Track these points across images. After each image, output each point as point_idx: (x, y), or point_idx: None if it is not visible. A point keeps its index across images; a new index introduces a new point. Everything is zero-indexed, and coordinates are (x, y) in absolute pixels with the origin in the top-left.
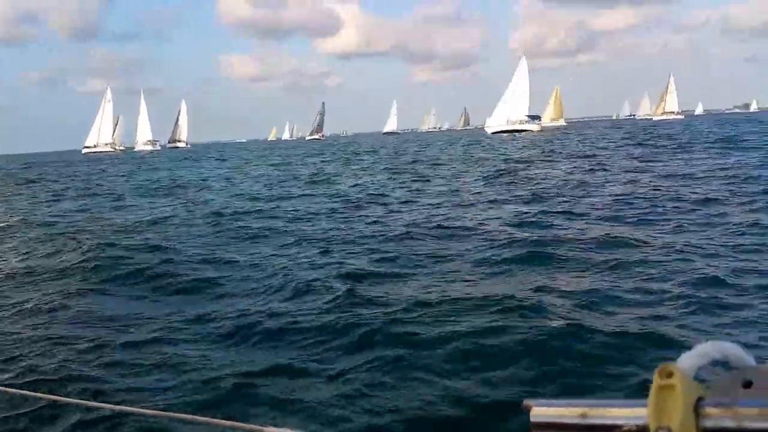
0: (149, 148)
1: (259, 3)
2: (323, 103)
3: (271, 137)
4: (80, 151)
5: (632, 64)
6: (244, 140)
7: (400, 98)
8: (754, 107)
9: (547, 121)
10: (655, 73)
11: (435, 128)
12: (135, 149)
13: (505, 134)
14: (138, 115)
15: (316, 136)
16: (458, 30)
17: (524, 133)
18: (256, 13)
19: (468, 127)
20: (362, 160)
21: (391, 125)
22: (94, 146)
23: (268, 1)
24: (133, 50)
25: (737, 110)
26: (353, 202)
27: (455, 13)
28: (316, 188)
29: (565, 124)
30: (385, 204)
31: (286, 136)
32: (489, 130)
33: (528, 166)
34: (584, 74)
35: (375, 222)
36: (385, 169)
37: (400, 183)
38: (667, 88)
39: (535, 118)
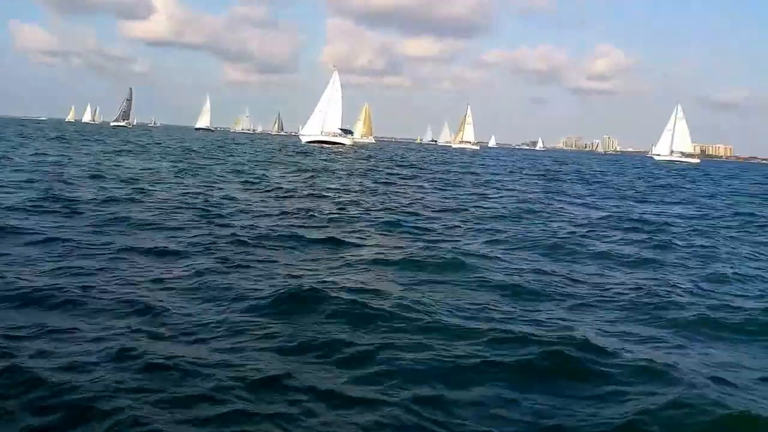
0: None
1: None
2: (131, 89)
3: (70, 118)
4: None
5: (435, 92)
6: (44, 118)
7: (212, 95)
8: (540, 146)
9: (357, 136)
10: (456, 103)
11: (249, 130)
12: None
13: (318, 144)
14: None
15: (122, 123)
16: (274, 35)
17: (337, 146)
18: None
19: (282, 133)
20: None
21: (203, 121)
22: None
23: None
24: None
25: (525, 147)
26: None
27: (272, 18)
28: None
29: (374, 141)
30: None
31: (86, 118)
32: (303, 139)
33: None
34: (391, 96)
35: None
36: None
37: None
38: (465, 118)
39: (347, 132)
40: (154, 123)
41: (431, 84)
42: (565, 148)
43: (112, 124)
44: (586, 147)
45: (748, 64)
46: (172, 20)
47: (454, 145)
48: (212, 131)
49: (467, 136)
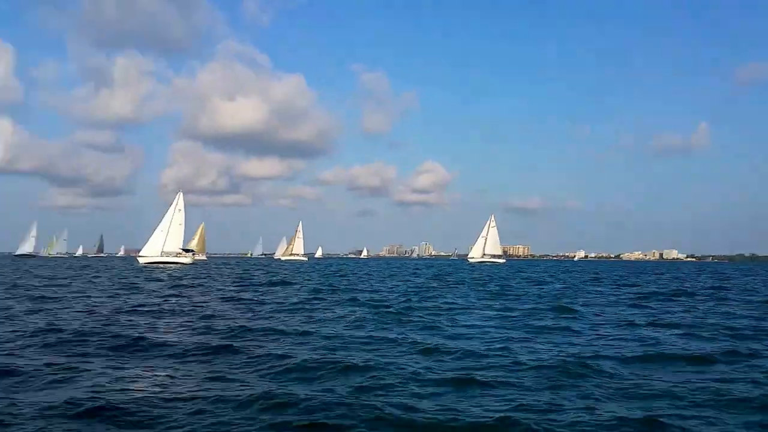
0: None
1: None
2: None
3: None
4: None
5: (273, 209)
6: None
7: (32, 219)
8: (364, 254)
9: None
10: (290, 218)
11: (66, 254)
12: None
13: (158, 264)
14: None
15: None
16: (113, 159)
17: (177, 265)
18: None
19: (101, 254)
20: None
21: (27, 247)
22: None
23: None
24: None
25: (351, 255)
26: None
27: (116, 142)
28: None
29: (205, 258)
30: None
31: None
32: (142, 261)
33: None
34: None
35: None
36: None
37: None
38: (296, 233)
39: (188, 251)
40: None
41: (270, 201)
42: (387, 255)
43: None
44: (405, 253)
45: (538, 178)
46: (9, 147)
47: (283, 258)
48: (35, 257)
49: (297, 249)
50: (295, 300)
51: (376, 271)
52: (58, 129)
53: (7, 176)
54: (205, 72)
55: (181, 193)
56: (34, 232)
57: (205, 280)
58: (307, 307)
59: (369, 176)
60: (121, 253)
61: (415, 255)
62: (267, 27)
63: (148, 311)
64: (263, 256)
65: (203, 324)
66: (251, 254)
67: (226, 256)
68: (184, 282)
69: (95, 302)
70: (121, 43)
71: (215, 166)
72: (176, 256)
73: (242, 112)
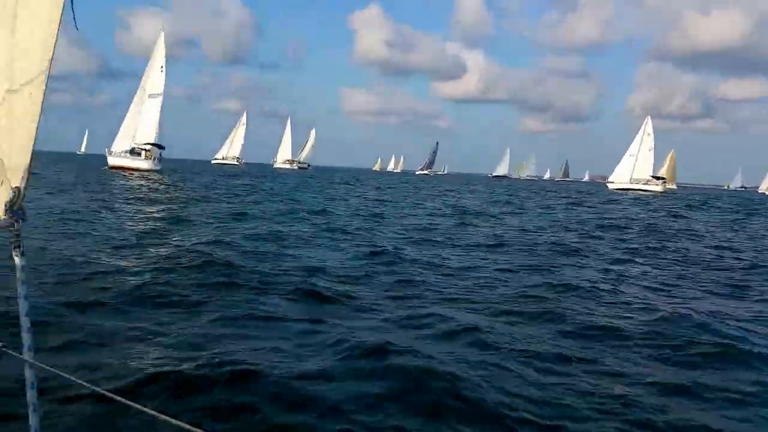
0: (287, 166)
1: (394, 44)
2: (437, 143)
3: (376, 167)
4: (209, 161)
5: (752, 135)
6: (350, 166)
7: (506, 145)
8: None
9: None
10: None
11: (534, 177)
12: (274, 166)
13: (626, 191)
14: (282, 136)
15: (426, 172)
16: (578, 85)
17: (647, 193)
18: (389, 53)
19: (567, 179)
20: None
21: (501, 170)
22: (222, 159)
23: (402, 43)
24: (270, 77)
25: None
26: None
27: (581, 68)
28: None
29: (675, 188)
30: None
31: (390, 167)
32: (611, 186)
33: None
34: (699, 140)
35: None
36: None
37: None
38: None
39: (659, 178)
40: (444, 170)
41: (753, 127)
42: None
43: (417, 172)
44: None
45: None
46: (480, 77)
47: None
48: (508, 178)
49: None
50: None
51: None
52: (526, 57)
53: (482, 104)
54: None
55: (649, 117)
56: (507, 156)
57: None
58: None
59: None
60: (586, 178)
61: None
62: None
63: None
64: (742, 189)
65: None
66: (728, 186)
67: (698, 186)
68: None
69: None
70: None
71: (685, 89)
72: (645, 184)
73: (719, 27)
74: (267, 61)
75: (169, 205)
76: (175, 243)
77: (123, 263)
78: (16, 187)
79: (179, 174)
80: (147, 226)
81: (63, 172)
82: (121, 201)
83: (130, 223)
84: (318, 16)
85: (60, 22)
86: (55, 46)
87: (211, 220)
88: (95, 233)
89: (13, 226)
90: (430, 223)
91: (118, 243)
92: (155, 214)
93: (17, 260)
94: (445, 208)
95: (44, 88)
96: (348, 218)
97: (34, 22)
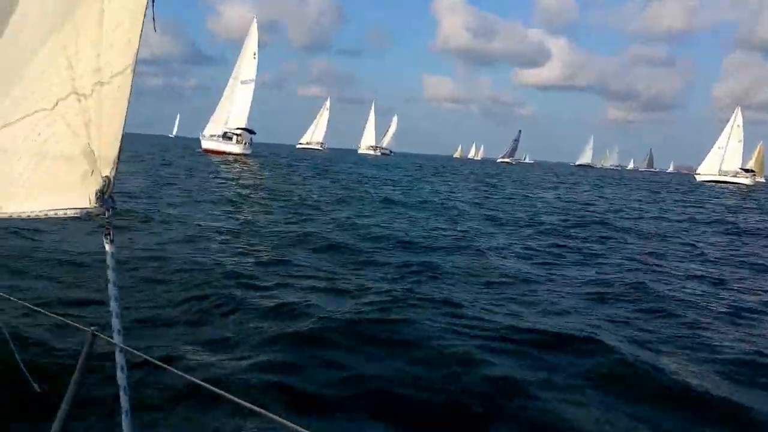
0: (371, 152)
1: (478, 32)
2: (519, 131)
3: (456, 155)
4: (293, 145)
5: None
6: (429, 154)
7: (588, 133)
8: None
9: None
10: None
11: (617, 166)
12: (358, 152)
13: (715, 183)
14: (366, 122)
15: (508, 160)
16: (666, 74)
17: (736, 185)
18: (471, 40)
19: (652, 169)
20: None
21: (584, 159)
22: (307, 143)
23: (484, 30)
24: (352, 63)
25: None
26: None
27: (667, 57)
28: None
29: (764, 180)
30: None
31: (471, 155)
32: (699, 178)
33: None
34: None
35: None
36: None
37: None
38: None
39: (749, 171)
40: (525, 158)
41: None
42: None
43: (498, 160)
44: None
45: None
46: (563, 64)
47: None
48: (593, 168)
49: None
50: None
51: None
52: (611, 45)
53: (565, 92)
54: None
55: (739, 109)
56: (590, 145)
57: None
58: None
59: None
60: (671, 169)
61: None
62: None
63: None
64: None
65: None
66: None
67: None
68: None
69: None
70: None
71: None
72: (734, 176)
73: None
74: (350, 47)
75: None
76: None
77: None
78: (105, 177)
79: (285, 161)
80: None
81: (168, 156)
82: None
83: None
84: (400, 2)
85: (144, 15)
86: (140, 38)
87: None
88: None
89: (104, 215)
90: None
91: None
92: None
93: (107, 247)
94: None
95: (131, 79)
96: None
97: (120, 15)
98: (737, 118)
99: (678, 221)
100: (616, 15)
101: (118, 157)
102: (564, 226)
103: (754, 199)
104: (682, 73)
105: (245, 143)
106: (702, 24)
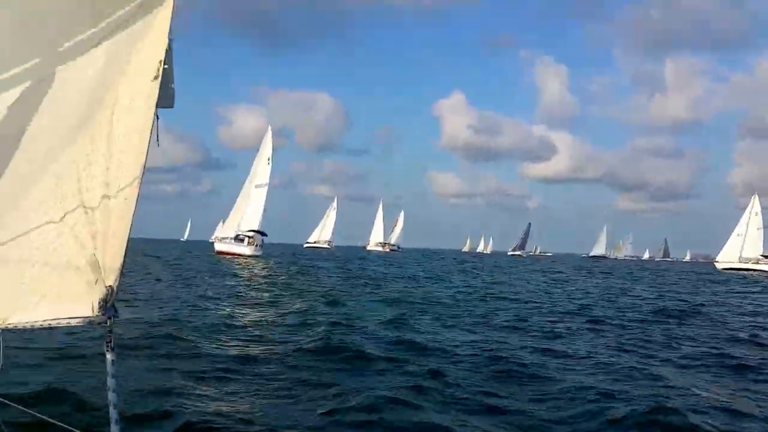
0: (380, 249)
1: (480, 129)
2: (529, 224)
3: (466, 248)
4: (301, 244)
5: None
6: (437, 248)
7: (600, 224)
8: None
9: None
10: None
11: (633, 256)
12: (367, 248)
13: (737, 271)
14: (374, 219)
15: (519, 252)
16: (672, 163)
17: (760, 272)
18: (475, 137)
19: (667, 259)
20: None
21: (599, 249)
22: (315, 242)
23: (487, 128)
24: (359, 163)
25: None
26: None
27: (675, 146)
28: None
29: None
30: None
31: (480, 248)
32: (719, 266)
33: None
34: None
35: None
36: None
37: None
38: None
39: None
40: (536, 250)
41: None
42: None
43: (509, 253)
44: None
45: None
46: (572, 159)
47: None
48: (607, 258)
49: None
50: None
51: None
52: (616, 137)
53: (575, 183)
54: (765, 62)
55: (756, 196)
56: (604, 235)
57: None
58: None
59: None
60: (687, 258)
61: None
62: None
63: None
64: None
65: None
66: None
67: None
68: None
69: None
70: (668, 47)
71: None
72: (756, 263)
73: None
74: (356, 147)
75: None
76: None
77: None
78: (109, 286)
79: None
80: None
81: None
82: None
83: None
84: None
85: (152, 132)
86: (147, 152)
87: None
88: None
89: (106, 323)
90: None
91: None
92: None
93: (108, 355)
94: None
95: (138, 192)
96: None
97: (129, 131)
98: (755, 206)
99: None
100: (619, 109)
101: (122, 267)
102: None
103: None
104: (692, 161)
105: (256, 245)
106: (707, 113)
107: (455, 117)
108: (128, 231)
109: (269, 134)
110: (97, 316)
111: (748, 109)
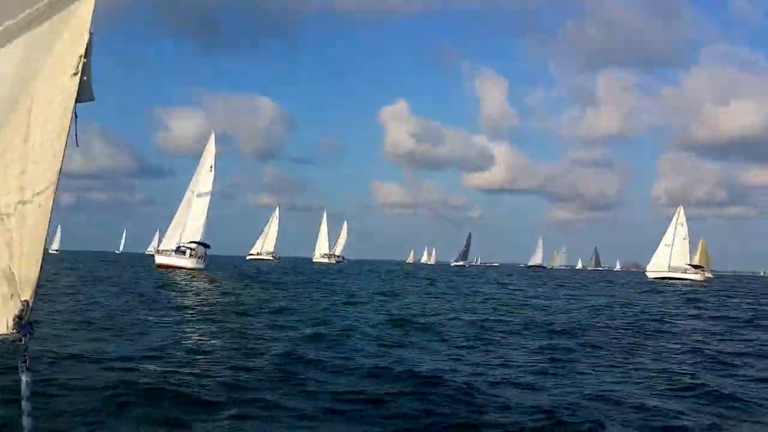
0: (325, 260)
1: (421, 138)
2: (470, 234)
3: (409, 259)
4: (244, 257)
5: None
6: (381, 259)
7: (537, 234)
8: None
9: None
10: None
11: (567, 266)
12: (313, 260)
13: (663, 279)
14: (318, 230)
15: (462, 263)
16: (602, 175)
17: (687, 281)
18: (418, 146)
19: (599, 268)
20: None
21: (536, 259)
22: (257, 254)
23: (429, 136)
24: (302, 171)
25: None
26: None
27: (605, 159)
28: None
29: (711, 276)
30: None
31: (424, 259)
32: (650, 275)
33: None
34: (731, 227)
35: None
36: None
37: None
38: None
39: (698, 267)
40: (478, 261)
41: None
42: None
43: (452, 263)
44: None
45: None
46: (509, 170)
47: None
48: (545, 268)
49: None
50: None
51: None
52: (551, 149)
53: (511, 195)
54: (691, 79)
55: (681, 208)
56: (540, 245)
57: None
58: None
59: None
60: (618, 267)
61: None
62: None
63: None
64: None
65: None
66: (764, 272)
67: (732, 274)
68: None
69: None
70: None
71: (710, 177)
72: (684, 272)
73: (738, 117)
74: (299, 155)
75: None
76: None
77: None
78: (25, 301)
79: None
80: None
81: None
82: None
83: None
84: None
85: (68, 134)
86: (64, 154)
87: None
88: None
89: (21, 341)
90: None
91: None
92: None
93: (23, 376)
94: None
95: (53, 198)
96: None
97: (45, 130)
98: (680, 216)
99: None
100: (554, 122)
101: (39, 280)
102: None
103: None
104: (621, 173)
105: (199, 257)
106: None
107: (399, 125)
108: (44, 240)
109: (212, 140)
110: (12, 333)
111: (674, 124)
